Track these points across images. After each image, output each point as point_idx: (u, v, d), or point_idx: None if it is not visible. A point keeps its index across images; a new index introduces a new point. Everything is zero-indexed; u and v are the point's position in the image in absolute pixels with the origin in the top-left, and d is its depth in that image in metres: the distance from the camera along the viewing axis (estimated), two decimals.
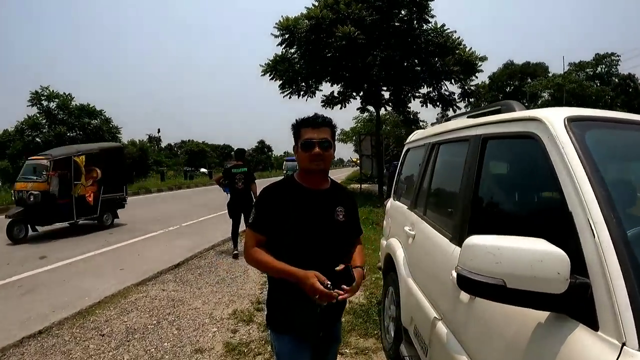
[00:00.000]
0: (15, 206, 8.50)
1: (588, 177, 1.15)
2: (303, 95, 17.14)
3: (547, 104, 34.18)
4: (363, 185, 20.43)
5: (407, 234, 2.85)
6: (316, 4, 15.25)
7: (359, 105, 17.54)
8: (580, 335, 1.02)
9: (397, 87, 16.15)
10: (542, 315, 1.16)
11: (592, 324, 1.00)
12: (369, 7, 14.53)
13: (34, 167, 8.85)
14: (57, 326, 3.96)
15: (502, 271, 1.05)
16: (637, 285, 0.95)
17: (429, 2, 14.98)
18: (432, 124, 3.52)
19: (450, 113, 15.98)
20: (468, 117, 2.45)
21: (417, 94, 16.81)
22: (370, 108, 17.81)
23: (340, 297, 1.58)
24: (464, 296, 1.67)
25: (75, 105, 26.98)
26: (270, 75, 16.49)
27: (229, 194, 6.67)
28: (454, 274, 1.26)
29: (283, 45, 15.90)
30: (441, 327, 1.90)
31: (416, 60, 15.56)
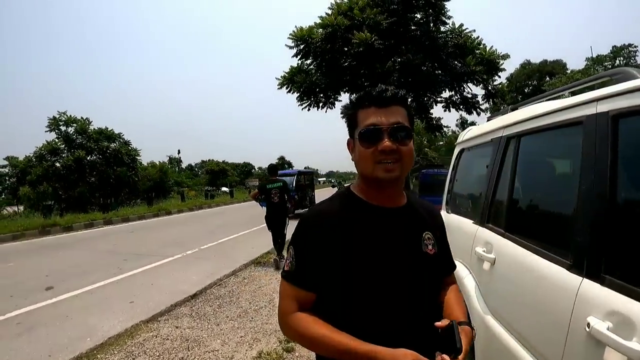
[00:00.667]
0: None
1: None
2: (322, 107, 16.84)
3: None
4: None
5: (479, 257, 2.18)
6: (329, 12, 15.00)
7: None
8: None
9: (418, 93, 15.69)
10: None
11: None
12: (384, 11, 14.15)
13: None
14: None
15: None
16: None
17: (444, 3, 14.56)
18: (488, 119, 2.81)
19: (470, 117, 15.39)
20: (570, 94, 1.78)
21: (438, 99, 16.38)
22: None
23: None
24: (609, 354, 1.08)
25: (94, 129, 27.29)
26: (287, 88, 16.27)
27: (264, 207, 7.37)
28: (593, 324, 1.10)
29: (298, 57, 15.60)
30: None
31: (436, 64, 15.13)
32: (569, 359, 1.29)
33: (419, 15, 14.97)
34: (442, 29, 15.05)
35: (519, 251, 1.75)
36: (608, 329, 1.10)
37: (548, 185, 1.85)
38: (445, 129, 18.52)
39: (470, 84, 15.70)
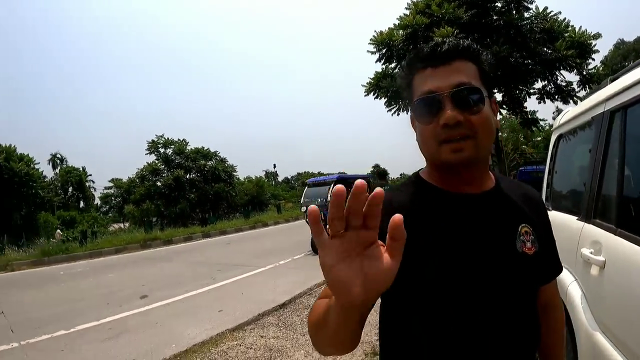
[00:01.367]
0: None
1: None
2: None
3: None
4: None
5: (585, 260, 1.82)
6: (407, 12, 14.75)
7: None
8: None
9: (509, 86, 14.73)
10: None
11: None
12: (462, 4, 13.51)
13: None
14: None
15: None
16: None
17: None
18: (583, 98, 2.37)
19: (567, 107, 13.87)
20: None
21: (531, 90, 15.13)
22: None
23: None
24: None
25: (190, 149, 29.87)
26: (374, 94, 16.22)
27: None
28: None
29: (382, 61, 15.53)
30: None
31: (524, 53, 14.08)
32: None
33: (499, 4, 14.06)
34: (526, 15, 13.99)
35: (635, 251, 1.39)
36: None
37: None
38: (541, 123, 17.08)
39: (563, 71, 14.36)
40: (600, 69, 16.19)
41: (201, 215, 28.10)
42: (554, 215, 2.61)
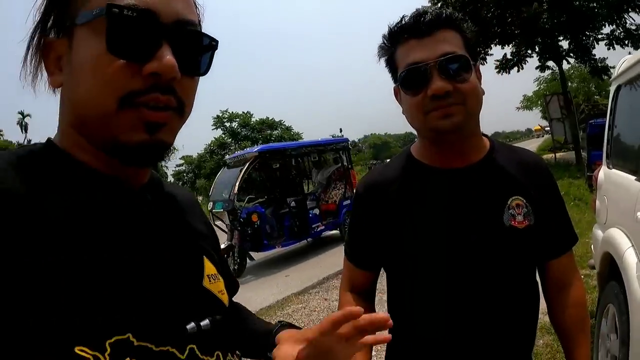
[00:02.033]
0: None
1: None
2: None
3: None
4: (557, 155, 17.33)
5: None
6: None
7: (537, 63, 15.66)
8: None
9: (574, 33, 13.81)
10: None
11: None
12: None
13: None
14: None
15: None
16: None
17: None
18: None
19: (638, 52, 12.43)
20: None
21: (599, 36, 14.13)
22: (551, 64, 15.71)
23: None
24: None
25: (255, 120, 30.68)
26: None
27: None
28: None
29: None
30: None
31: None
32: None
33: None
34: None
35: None
36: None
37: None
38: (612, 70, 15.50)
39: (632, 14, 13.33)
40: None
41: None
42: (615, 175, 2.40)
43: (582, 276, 3.87)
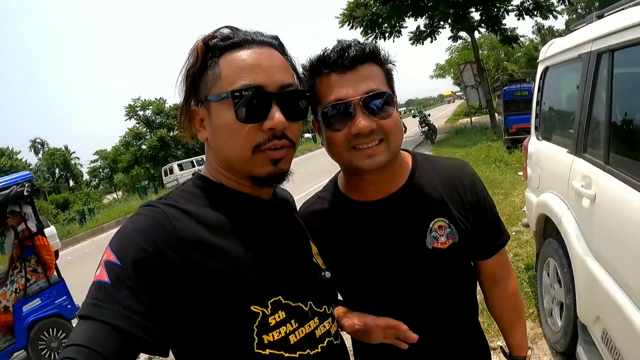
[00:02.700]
0: None
1: None
2: (389, 37, 16.38)
3: None
4: (473, 119, 18.54)
5: (577, 192, 1.96)
6: None
7: (450, 34, 16.47)
8: None
9: (486, 4, 14.43)
10: None
11: None
12: None
13: None
14: None
15: None
16: None
17: None
18: (576, 27, 2.40)
19: (547, 22, 13.47)
20: None
21: (509, 7, 14.90)
22: (463, 34, 16.49)
23: None
24: None
25: (169, 106, 29.07)
26: (349, 25, 16.09)
27: None
28: None
29: None
30: None
31: None
32: None
33: None
34: None
35: (622, 189, 1.54)
36: None
37: None
38: (522, 39, 16.87)
39: None
40: None
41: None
42: (545, 146, 2.74)
43: (514, 232, 4.38)
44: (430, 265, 0.93)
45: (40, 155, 45.04)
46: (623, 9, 1.74)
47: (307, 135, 33.53)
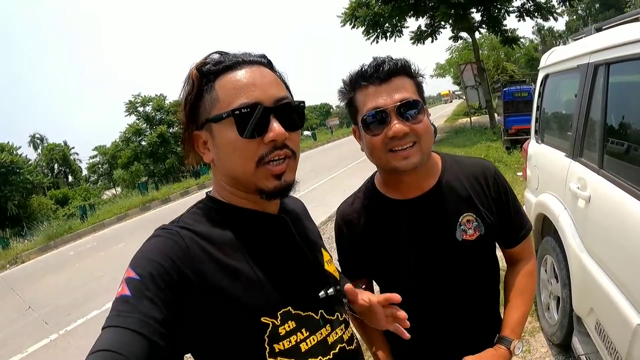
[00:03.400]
0: None
1: None
2: (390, 37, 16.47)
3: None
4: (472, 119, 18.63)
5: (573, 194, 2.10)
6: None
7: (450, 34, 16.53)
8: None
9: (487, 5, 14.46)
10: None
11: None
12: None
13: None
14: None
15: None
16: None
17: None
18: (576, 38, 2.54)
19: (547, 23, 13.46)
20: None
21: (510, 8, 14.94)
22: (464, 34, 16.54)
23: None
24: None
25: (170, 102, 28.86)
26: (350, 24, 16.15)
27: None
28: None
29: None
30: None
31: None
32: None
33: None
34: None
35: (614, 192, 1.68)
36: None
37: None
38: (522, 40, 16.93)
39: None
40: None
41: (192, 167, 28.30)
42: (544, 149, 2.88)
43: None
44: (460, 256, 1.05)
45: (39, 151, 44.98)
46: (621, 23, 1.88)
47: (306, 132, 33.60)
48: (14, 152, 27.30)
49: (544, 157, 2.87)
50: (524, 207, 3.53)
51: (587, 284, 1.88)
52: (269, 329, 0.74)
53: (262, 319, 0.74)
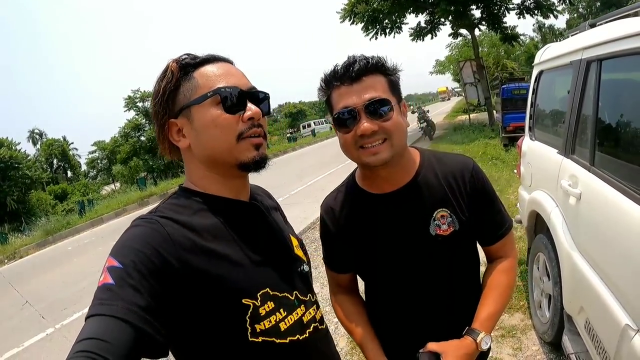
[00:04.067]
0: None
1: None
2: (389, 33, 16.42)
3: None
4: (471, 116, 18.54)
5: (565, 191, 2.09)
6: None
7: (450, 31, 16.52)
8: None
9: (487, 2, 14.39)
10: None
11: None
12: None
13: None
14: None
15: None
16: None
17: None
18: (571, 34, 2.52)
19: (547, 21, 13.30)
20: None
21: (510, 6, 14.82)
22: (463, 31, 16.51)
23: None
24: None
25: None
26: (349, 20, 16.06)
27: None
28: None
29: None
30: None
31: None
32: None
33: None
34: None
35: (605, 189, 1.67)
36: None
37: (637, 118, 1.68)
38: (521, 37, 16.78)
39: None
40: None
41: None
42: (537, 146, 2.87)
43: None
44: (434, 250, 1.08)
45: (38, 146, 45.00)
46: (616, 19, 1.86)
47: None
48: (13, 147, 27.27)
49: (537, 154, 2.86)
50: (518, 204, 3.52)
51: (578, 283, 1.88)
52: (250, 310, 0.78)
53: (243, 301, 0.78)
